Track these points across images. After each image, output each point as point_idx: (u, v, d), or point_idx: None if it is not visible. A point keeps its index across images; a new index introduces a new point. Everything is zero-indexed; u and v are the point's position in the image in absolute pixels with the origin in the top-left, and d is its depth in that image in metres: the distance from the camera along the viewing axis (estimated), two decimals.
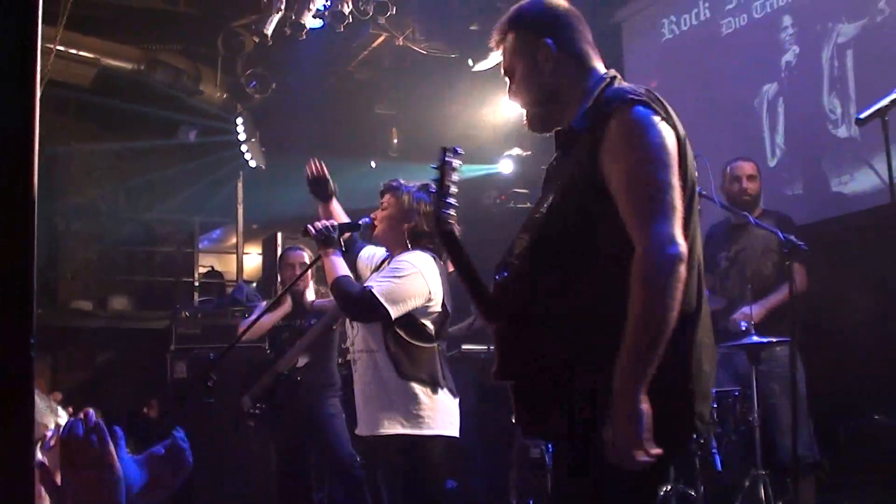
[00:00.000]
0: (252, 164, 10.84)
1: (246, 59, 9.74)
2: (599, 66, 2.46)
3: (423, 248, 4.03)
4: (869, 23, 6.08)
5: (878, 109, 3.40)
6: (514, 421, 2.42)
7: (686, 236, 2.16)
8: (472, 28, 8.77)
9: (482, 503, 6.99)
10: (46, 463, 1.95)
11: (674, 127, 2.22)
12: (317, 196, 4.45)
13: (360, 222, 4.18)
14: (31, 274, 1.13)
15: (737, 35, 7.09)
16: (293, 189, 10.03)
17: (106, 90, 9.86)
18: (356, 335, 4.05)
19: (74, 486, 1.80)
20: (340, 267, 3.97)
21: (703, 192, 5.00)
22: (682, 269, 2.08)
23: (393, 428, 3.86)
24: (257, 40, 8.22)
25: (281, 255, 6.35)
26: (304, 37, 7.81)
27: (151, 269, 12.60)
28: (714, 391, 4.81)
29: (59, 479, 1.82)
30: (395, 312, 3.82)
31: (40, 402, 2.72)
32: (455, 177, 2.81)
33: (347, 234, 4.24)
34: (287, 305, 5.87)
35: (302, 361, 5.50)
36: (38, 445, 2.65)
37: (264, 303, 6.54)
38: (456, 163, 2.81)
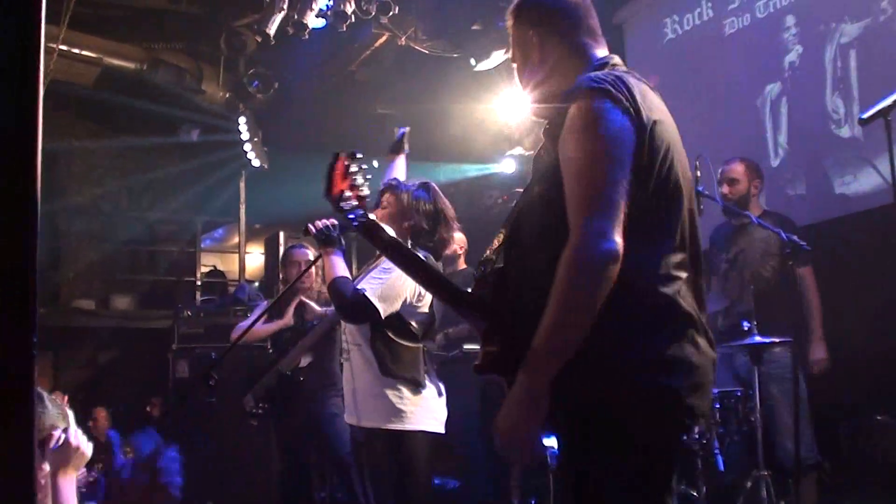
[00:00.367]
0: (254, 163, 10.84)
1: (248, 59, 9.75)
2: (599, 53, 2.43)
3: (422, 248, 4.05)
4: (872, 23, 6.07)
5: (881, 109, 3.39)
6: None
7: (663, 231, 2.14)
8: (475, 27, 8.77)
9: (484, 503, 6.99)
10: (46, 463, 1.96)
11: (636, 116, 2.13)
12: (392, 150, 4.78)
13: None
14: (33, 273, 1.13)
15: (740, 35, 7.08)
16: (295, 188, 10.07)
17: (108, 89, 9.87)
18: (346, 327, 4.15)
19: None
20: (339, 267, 3.99)
21: (706, 192, 5.01)
22: (610, 268, 2.00)
23: (376, 422, 3.94)
24: (260, 40, 8.21)
25: (284, 254, 6.35)
26: (307, 36, 7.81)
27: (154, 269, 12.62)
28: (716, 391, 4.85)
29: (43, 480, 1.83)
30: (385, 312, 3.88)
31: (52, 407, 2.73)
32: (358, 179, 2.74)
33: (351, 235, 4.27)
34: (288, 318, 5.87)
35: (304, 361, 5.51)
36: (48, 445, 2.65)
37: (265, 302, 6.55)
38: (354, 167, 2.74)
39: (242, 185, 11.95)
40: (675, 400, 2.10)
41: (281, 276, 6.27)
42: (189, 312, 9.05)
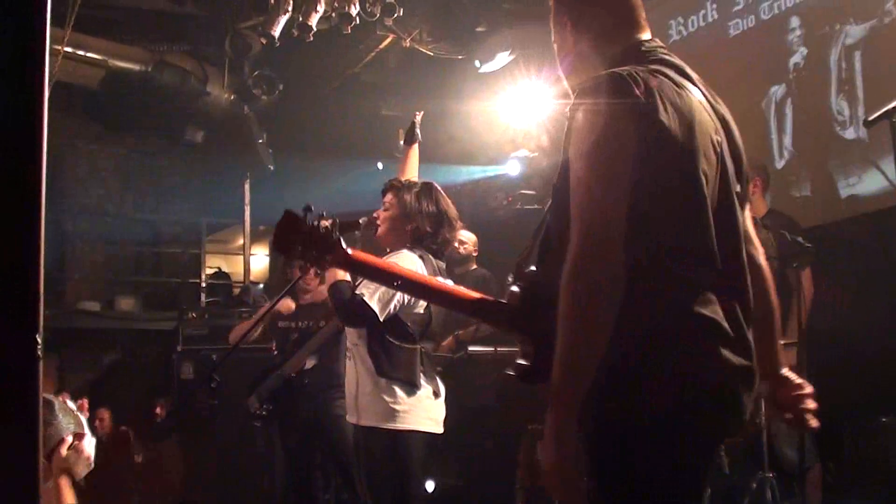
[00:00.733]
0: (259, 165, 10.84)
1: (253, 61, 9.75)
2: (636, 38, 2.30)
3: (424, 249, 4.05)
4: (877, 24, 6.06)
5: (887, 111, 3.38)
6: None
7: (678, 241, 2.01)
8: (479, 29, 8.77)
9: None
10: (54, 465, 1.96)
11: (645, 122, 1.99)
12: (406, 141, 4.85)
13: (360, 221, 4.18)
14: (38, 275, 1.13)
15: (744, 36, 7.07)
16: (300, 190, 10.07)
17: (113, 91, 9.87)
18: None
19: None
20: (339, 270, 3.99)
21: None
22: (607, 290, 1.92)
23: (374, 421, 3.96)
24: (264, 42, 8.21)
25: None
26: (311, 38, 7.81)
27: (158, 271, 12.63)
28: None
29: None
30: (383, 314, 3.90)
31: (63, 417, 2.72)
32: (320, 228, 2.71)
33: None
34: (289, 302, 5.84)
35: (309, 363, 5.51)
36: (58, 451, 2.65)
37: (268, 303, 6.54)
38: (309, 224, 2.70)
39: (247, 186, 11.95)
40: (693, 420, 1.99)
41: (287, 276, 6.25)
42: (194, 314, 9.06)
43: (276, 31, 7.89)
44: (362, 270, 2.83)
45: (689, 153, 2.03)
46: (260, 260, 13.62)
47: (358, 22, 7.70)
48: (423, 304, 4.03)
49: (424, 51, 8.87)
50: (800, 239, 4.83)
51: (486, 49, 8.61)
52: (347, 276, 4.02)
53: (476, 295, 2.53)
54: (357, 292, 3.89)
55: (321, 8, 7.61)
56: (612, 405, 1.99)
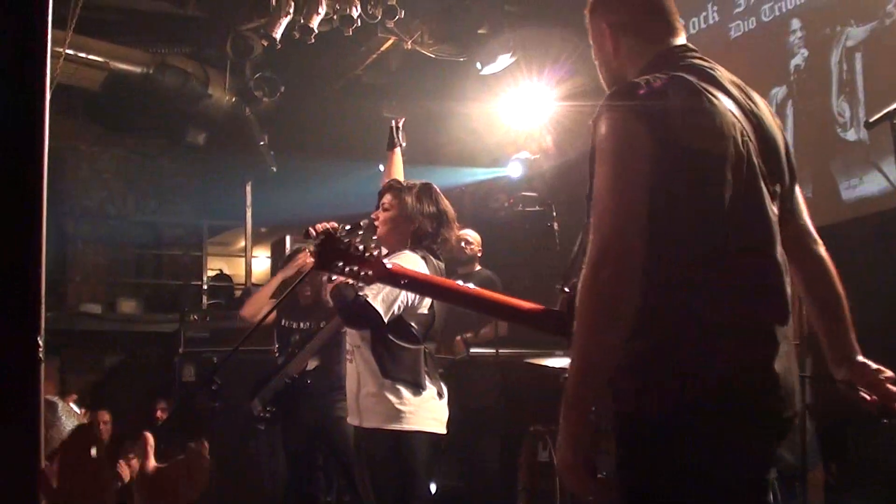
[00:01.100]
0: (260, 167, 10.85)
1: (254, 63, 9.76)
2: (669, 43, 2.35)
3: (426, 249, 4.04)
4: (878, 26, 6.06)
5: (888, 112, 3.39)
6: None
7: (695, 243, 2.04)
8: (480, 31, 8.78)
9: None
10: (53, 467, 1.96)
11: (666, 132, 2.04)
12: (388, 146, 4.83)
13: (362, 223, 4.18)
14: (40, 276, 1.13)
15: (745, 38, 7.07)
16: (302, 192, 10.08)
17: (115, 93, 9.89)
18: (349, 328, 4.15)
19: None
20: None
21: None
22: (622, 293, 1.97)
23: (377, 422, 3.94)
24: (266, 44, 8.22)
25: (289, 256, 6.34)
26: (313, 40, 7.82)
27: (160, 273, 12.63)
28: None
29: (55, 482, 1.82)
30: (387, 315, 3.88)
31: (66, 419, 2.72)
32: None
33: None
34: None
35: (311, 365, 5.50)
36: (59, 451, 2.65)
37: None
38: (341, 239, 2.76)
39: (248, 188, 11.96)
40: (694, 420, 2.01)
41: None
42: (195, 316, 9.06)
43: (278, 33, 7.90)
44: (404, 283, 2.84)
45: (699, 155, 2.07)
46: (261, 262, 13.61)
47: (359, 24, 7.71)
48: (426, 304, 4.01)
49: (426, 53, 8.88)
50: None
51: (487, 51, 8.61)
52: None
53: (527, 304, 2.58)
54: (360, 294, 3.88)
55: (322, 10, 7.62)
56: (624, 405, 2.05)
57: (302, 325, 5.82)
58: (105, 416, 8.84)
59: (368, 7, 7.62)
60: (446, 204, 4.18)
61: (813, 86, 6.53)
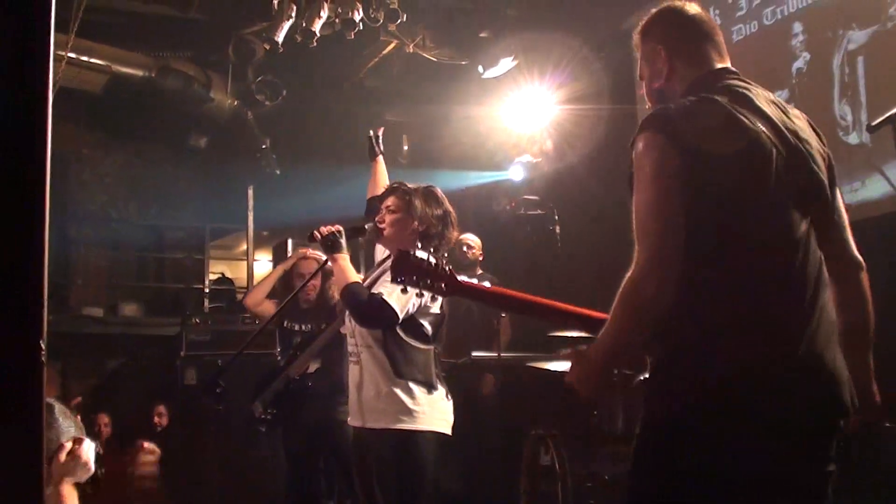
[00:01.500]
0: (263, 170, 10.85)
1: (256, 67, 9.77)
2: (711, 66, 2.54)
3: (430, 250, 4.04)
4: (880, 29, 6.06)
5: (890, 116, 3.39)
6: None
7: (720, 253, 2.20)
8: (482, 35, 8.79)
9: None
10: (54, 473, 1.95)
11: (697, 153, 2.19)
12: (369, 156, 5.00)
13: (367, 226, 4.19)
14: (42, 280, 1.13)
15: (747, 42, 7.08)
16: (304, 195, 10.08)
17: (117, 97, 9.89)
18: (355, 328, 4.09)
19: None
20: (350, 273, 3.99)
21: None
22: (655, 306, 2.15)
23: (384, 422, 3.91)
24: (268, 47, 8.23)
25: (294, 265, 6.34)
26: (315, 44, 7.83)
27: (162, 276, 12.63)
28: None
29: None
30: (402, 313, 3.87)
31: (63, 420, 2.73)
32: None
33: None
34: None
35: (313, 367, 5.51)
36: (57, 457, 2.65)
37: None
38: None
39: (251, 192, 11.96)
40: (696, 422, 2.18)
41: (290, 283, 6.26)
42: (197, 320, 9.06)
43: (280, 37, 7.90)
44: (475, 295, 3.00)
45: (722, 172, 2.21)
46: (263, 265, 13.61)
47: (361, 28, 7.71)
48: (438, 304, 4.00)
49: (428, 56, 8.88)
50: None
51: (489, 55, 8.62)
52: (358, 277, 4.02)
53: (587, 311, 2.70)
54: (375, 292, 3.88)
55: (325, 14, 7.63)
56: (655, 406, 2.26)
57: (303, 326, 5.82)
58: (104, 418, 8.84)
59: (370, 11, 7.62)
60: (449, 205, 4.20)
61: (815, 89, 6.54)
